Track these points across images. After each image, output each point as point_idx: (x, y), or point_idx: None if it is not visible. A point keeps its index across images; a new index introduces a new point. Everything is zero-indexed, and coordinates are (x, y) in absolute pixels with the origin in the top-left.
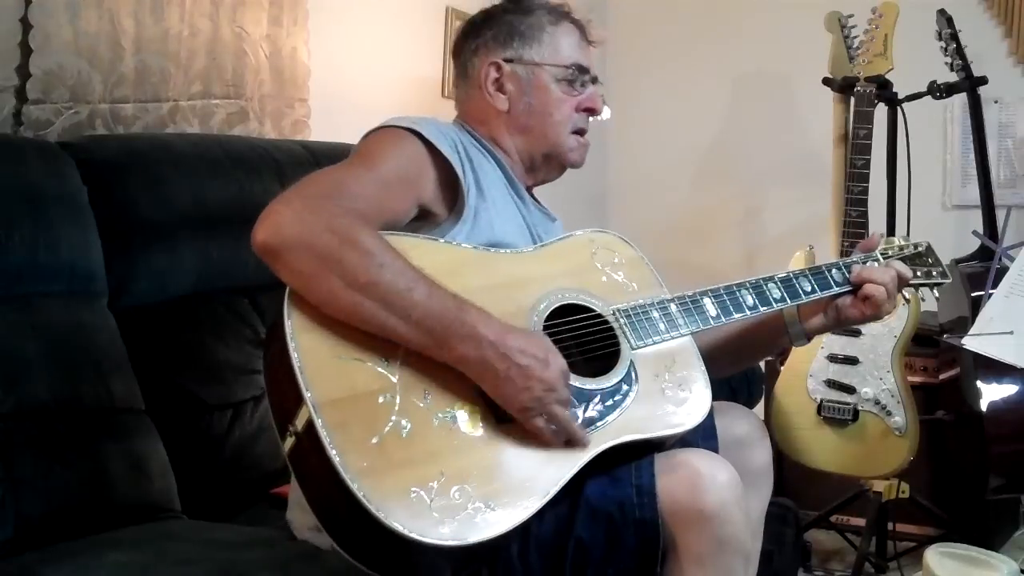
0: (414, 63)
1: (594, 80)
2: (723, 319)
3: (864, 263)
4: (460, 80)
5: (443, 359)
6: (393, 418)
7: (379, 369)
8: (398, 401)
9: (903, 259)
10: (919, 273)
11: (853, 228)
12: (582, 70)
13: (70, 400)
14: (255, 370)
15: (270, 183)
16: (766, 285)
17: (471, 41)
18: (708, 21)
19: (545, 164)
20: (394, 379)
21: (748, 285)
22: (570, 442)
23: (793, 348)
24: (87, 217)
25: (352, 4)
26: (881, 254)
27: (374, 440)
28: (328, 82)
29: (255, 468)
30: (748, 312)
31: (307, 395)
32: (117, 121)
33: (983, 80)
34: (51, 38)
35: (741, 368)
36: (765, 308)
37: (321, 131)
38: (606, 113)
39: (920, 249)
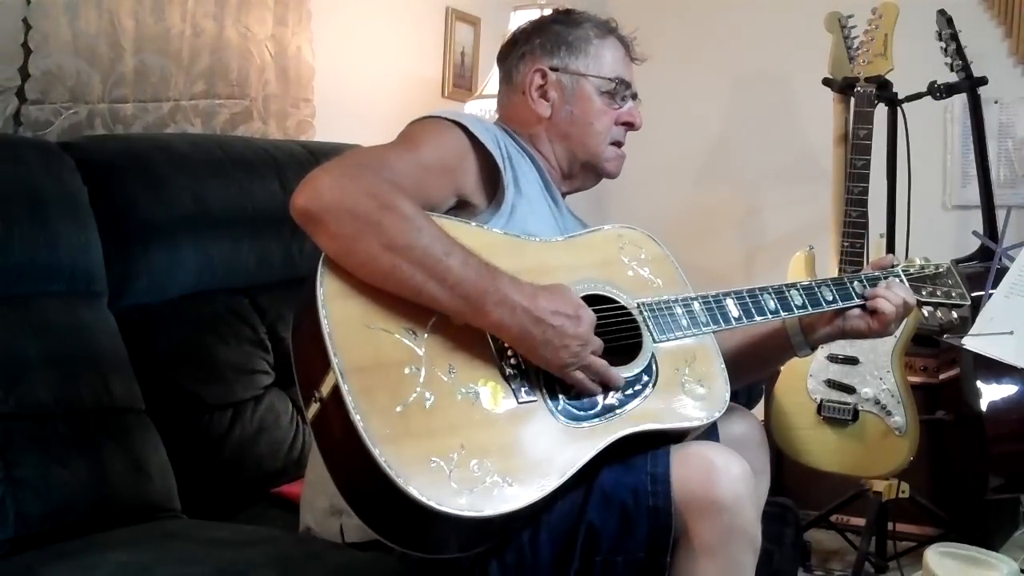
0: (415, 63)
1: (634, 96)
2: (744, 321)
3: (886, 278)
4: (503, 85)
5: (478, 324)
6: (418, 389)
7: (406, 341)
8: (423, 373)
9: (923, 278)
10: (939, 293)
11: (853, 228)
12: (624, 85)
13: (70, 400)
14: (255, 370)
15: (270, 183)
16: (788, 291)
17: (519, 48)
18: (708, 21)
19: (582, 172)
20: (420, 352)
21: (771, 290)
22: (607, 387)
23: None
24: (87, 217)
25: (353, 4)
26: (903, 270)
27: (398, 408)
28: (331, 82)
29: (255, 468)
30: (769, 316)
31: (335, 360)
32: (117, 121)
33: (983, 80)
34: (50, 38)
35: (746, 382)
36: (786, 313)
37: (325, 131)
38: None
39: (940, 270)
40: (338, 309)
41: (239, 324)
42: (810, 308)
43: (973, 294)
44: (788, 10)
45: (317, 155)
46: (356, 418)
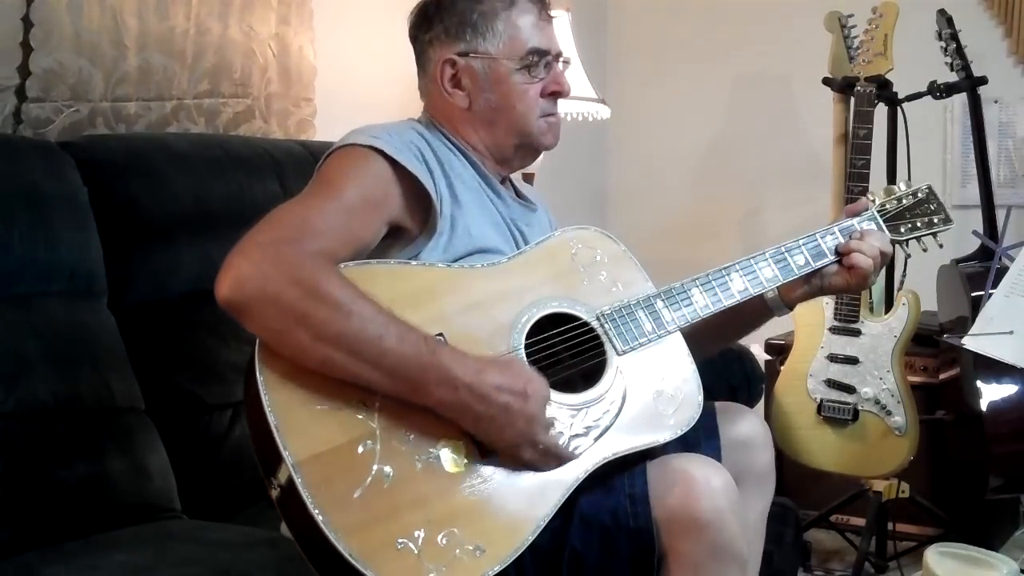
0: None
1: (557, 57)
2: (712, 308)
3: (859, 224)
4: (418, 69)
5: (421, 403)
6: (375, 467)
7: (358, 416)
8: (379, 448)
9: (903, 210)
10: (920, 224)
11: None
12: (541, 54)
13: (70, 400)
14: None
15: (270, 183)
16: (757, 265)
17: (423, 32)
18: (708, 21)
19: (517, 153)
20: (373, 424)
21: (738, 267)
22: (559, 463)
23: (793, 347)
24: (87, 217)
25: (355, 4)
26: (879, 210)
27: (357, 494)
28: (332, 81)
29: (255, 468)
30: (739, 297)
31: (285, 454)
32: (119, 120)
33: (983, 80)
34: (52, 36)
35: (724, 346)
36: (758, 290)
37: (326, 130)
38: (605, 113)
39: (921, 196)
40: (281, 395)
41: (239, 324)
42: (782, 279)
43: (973, 294)
44: (788, 10)
45: (317, 155)
46: (315, 512)
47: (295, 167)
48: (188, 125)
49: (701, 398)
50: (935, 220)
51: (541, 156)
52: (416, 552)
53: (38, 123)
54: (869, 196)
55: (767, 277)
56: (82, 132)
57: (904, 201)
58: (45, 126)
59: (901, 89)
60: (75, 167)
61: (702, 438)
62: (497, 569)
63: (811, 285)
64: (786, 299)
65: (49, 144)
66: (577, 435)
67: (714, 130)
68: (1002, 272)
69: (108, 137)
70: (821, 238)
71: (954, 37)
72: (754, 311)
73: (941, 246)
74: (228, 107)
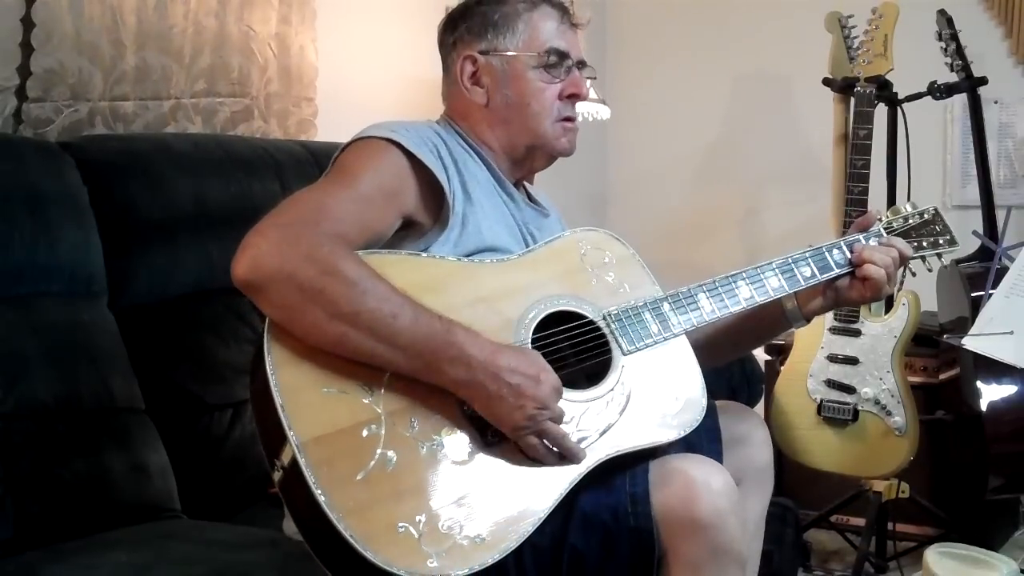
0: (419, 63)
1: (580, 64)
2: (719, 314)
3: (867, 241)
4: (444, 75)
5: (434, 382)
6: (379, 451)
7: (364, 400)
8: (383, 433)
9: (909, 229)
10: (925, 244)
11: None
12: (561, 55)
13: (70, 400)
14: None
15: (270, 183)
16: (763, 274)
17: (448, 35)
18: (708, 21)
19: (530, 156)
20: (379, 409)
21: (744, 275)
22: (564, 458)
23: (793, 347)
24: (87, 217)
25: (357, 4)
26: (886, 228)
27: (359, 476)
28: (333, 82)
29: (255, 468)
30: (744, 304)
31: (290, 434)
32: (117, 119)
33: (983, 80)
34: (53, 36)
35: (741, 354)
36: (763, 299)
37: (327, 131)
38: (605, 113)
39: (927, 216)
40: (289, 376)
41: (239, 324)
42: (788, 289)
43: (973, 294)
44: (788, 10)
45: (317, 155)
46: (317, 492)
47: (295, 168)
48: (186, 124)
49: (705, 401)
50: (940, 241)
51: None
52: (417, 537)
53: (38, 123)
54: (875, 214)
55: (773, 287)
56: (82, 132)
57: (910, 221)
58: (45, 126)
59: (901, 89)
60: (75, 167)
61: (704, 439)
62: (496, 558)
63: (826, 298)
64: (804, 310)
65: (49, 144)
66: (582, 431)
67: (714, 130)
68: (1002, 272)
69: (108, 137)
70: (828, 251)
71: (954, 37)
72: (773, 320)
73: (945, 266)
74: (225, 106)
